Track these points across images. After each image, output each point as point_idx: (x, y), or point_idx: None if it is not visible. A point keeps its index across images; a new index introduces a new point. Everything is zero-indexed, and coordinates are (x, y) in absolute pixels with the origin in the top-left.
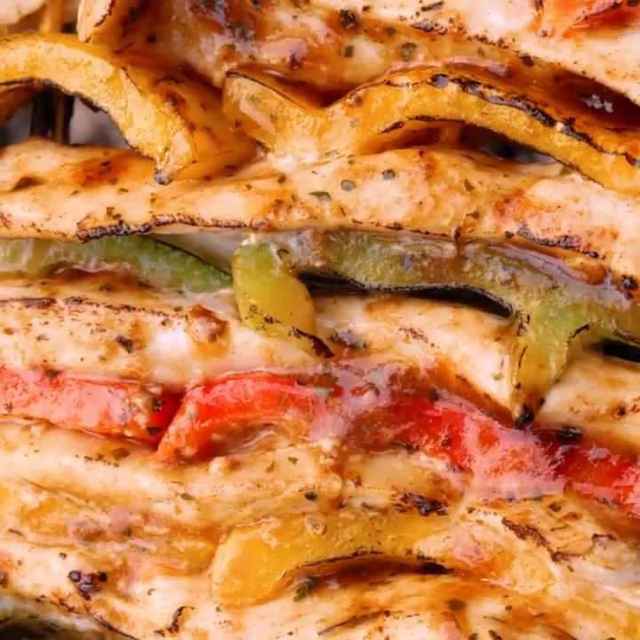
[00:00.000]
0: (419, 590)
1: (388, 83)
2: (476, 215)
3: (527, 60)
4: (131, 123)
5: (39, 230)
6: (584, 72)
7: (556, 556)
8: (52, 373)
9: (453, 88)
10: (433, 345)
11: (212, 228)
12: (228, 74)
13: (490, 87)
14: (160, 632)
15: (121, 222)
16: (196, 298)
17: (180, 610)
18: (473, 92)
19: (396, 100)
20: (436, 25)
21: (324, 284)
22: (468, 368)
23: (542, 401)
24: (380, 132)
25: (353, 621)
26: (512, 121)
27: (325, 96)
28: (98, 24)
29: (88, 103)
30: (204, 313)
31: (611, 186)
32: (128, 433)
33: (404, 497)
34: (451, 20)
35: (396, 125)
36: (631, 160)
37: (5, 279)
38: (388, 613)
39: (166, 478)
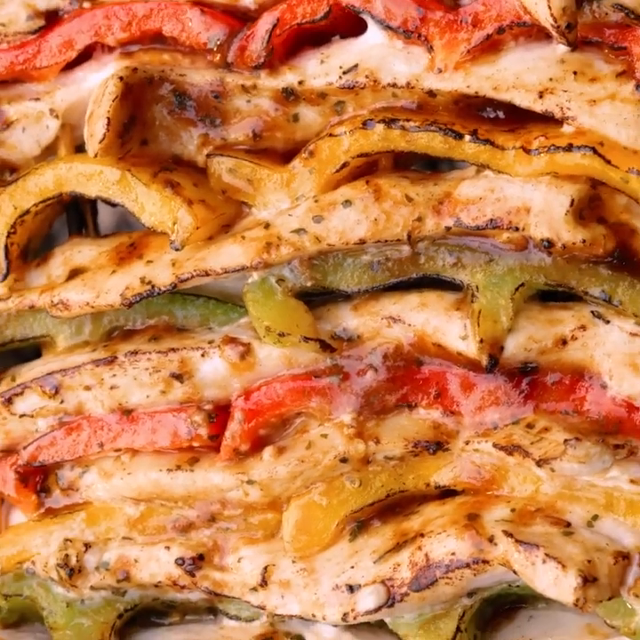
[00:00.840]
0: (442, 512)
1: (330, 134)
2: (419, 219)
3: (431, 94)
4: (143, 209)
5: (93, 307)
6: (476, 92)
7: (539, 463)
8: (127, 412)
9: (380, 127)
10: (410, 325)
11: (223, 275)
12: (208, 155)
13: (408, 120)
14: (254, 589)
15: (153, 286)
16: (223, 330)
17: (265, 568)
18: (396, 126)
19: (339, 146)
20: (356, 82)
21: (317, 297)
22: (440, 336)
23: (502, 348)
24: (332, 173)
25: (397, 547)
26: (430, 142)
27: (285, 155)
28: (101, 141)
29: (107, 202)
30: (232, 340)
31: (516, 174)
32: (195, 444)
33: (414, 444)
34: (366, 76)
35: (344, 165)
36: (527, 151)
37: (76, 349)
38: (422, 535)
39: (232, 472)
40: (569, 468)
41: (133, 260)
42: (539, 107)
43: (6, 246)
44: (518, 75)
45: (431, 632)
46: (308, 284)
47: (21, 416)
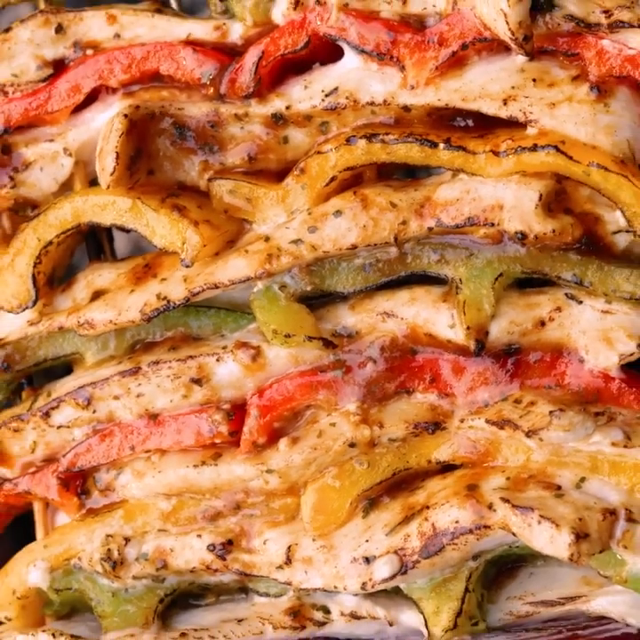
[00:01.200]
0: (444, 485)
1: (318, 152)
2: (404, 223)
3: (406, 108)
4: (154, 233)
5: (115, 324)
6: (447, 104)
7: (528, 434)
8: (153, 417)
9: (362, 142)
10: (402, 318)
11: (231, 286)
12: (209, 180)
13: (387, 134)
14: (280, 567)
15: (168, 301)
16: (234, 336)
17: (289, 548)
18: (376, 141)
19: (326, 162)
20: (338, 103)
21: (317, 300)
22: (430, 326)
23: (487, 333)
24: (322, 187)
25: (406, 520)
26: (408, 152)
27: (279, 174)
28: (111, 174)
29: (122, 228)
30: (243, 344)
31: (488, 175)
32: (217, 440)
33: (415, 426)
34: (347, 97)
35: (332, 179)
36: (496, 153)
37: (103, 363)
38: (428, 507)
39: (252, 463)
40: (555, 437)
41: (149, 279)
42: (504, 113)
43: (34, 275)
44: (483, 85)
45: (442, 594)
46: (308, 288)
47: (59, 427)
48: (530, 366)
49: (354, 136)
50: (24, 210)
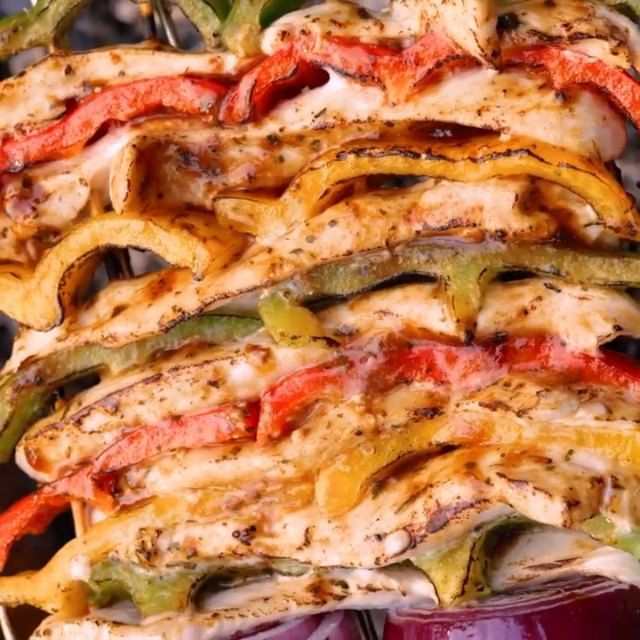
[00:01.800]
0: (444, 465)
1: (311, 168)
2: (393, 228)
3: (389, 124)
4: (167, 250)
5: (136, 336)
6: (426, 118)
7: (519, 414)
8: (176, 418)
9: (351, 157)
10: (397, 315)
11: (239, 295)
12: (214, 199)
13: (373, 148)
14: (299, 548)
15: (183, 312)
16: (245, 340)
17: (307, 530)
18: (364, 155)
19: (319, 177)
20: (327, 123)
21: (319, 303)
22: (423, 321)
23: (476, 324)
24: (317, 200)
25: (412, 498)
26: (394, 163)
27: (277, 190)
28: (124, 200)
29: (137, 248)
30: (254, 347)
31: (468, 180)
32: (235, 436)
33: (415, 412)
34: (334, 117)
35: (326, 192)
36: (474, 160)
37: (127, 372)
38: (431, 486)
39: (269, 455)
40: (544, 415)
41: (164, 293)
42: (478, 122)
43: (59, 296)
44: (458, 98)
45: (449, 564)
46: (310, 292)
47: (90, 433)
48: (516, 352)
49: (343, 152)
50: (47, 237)
